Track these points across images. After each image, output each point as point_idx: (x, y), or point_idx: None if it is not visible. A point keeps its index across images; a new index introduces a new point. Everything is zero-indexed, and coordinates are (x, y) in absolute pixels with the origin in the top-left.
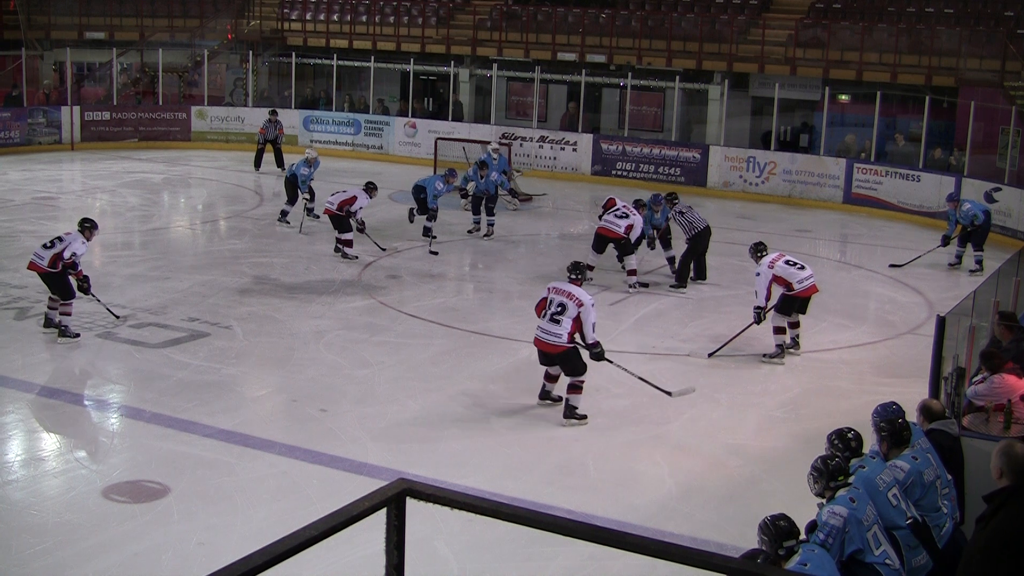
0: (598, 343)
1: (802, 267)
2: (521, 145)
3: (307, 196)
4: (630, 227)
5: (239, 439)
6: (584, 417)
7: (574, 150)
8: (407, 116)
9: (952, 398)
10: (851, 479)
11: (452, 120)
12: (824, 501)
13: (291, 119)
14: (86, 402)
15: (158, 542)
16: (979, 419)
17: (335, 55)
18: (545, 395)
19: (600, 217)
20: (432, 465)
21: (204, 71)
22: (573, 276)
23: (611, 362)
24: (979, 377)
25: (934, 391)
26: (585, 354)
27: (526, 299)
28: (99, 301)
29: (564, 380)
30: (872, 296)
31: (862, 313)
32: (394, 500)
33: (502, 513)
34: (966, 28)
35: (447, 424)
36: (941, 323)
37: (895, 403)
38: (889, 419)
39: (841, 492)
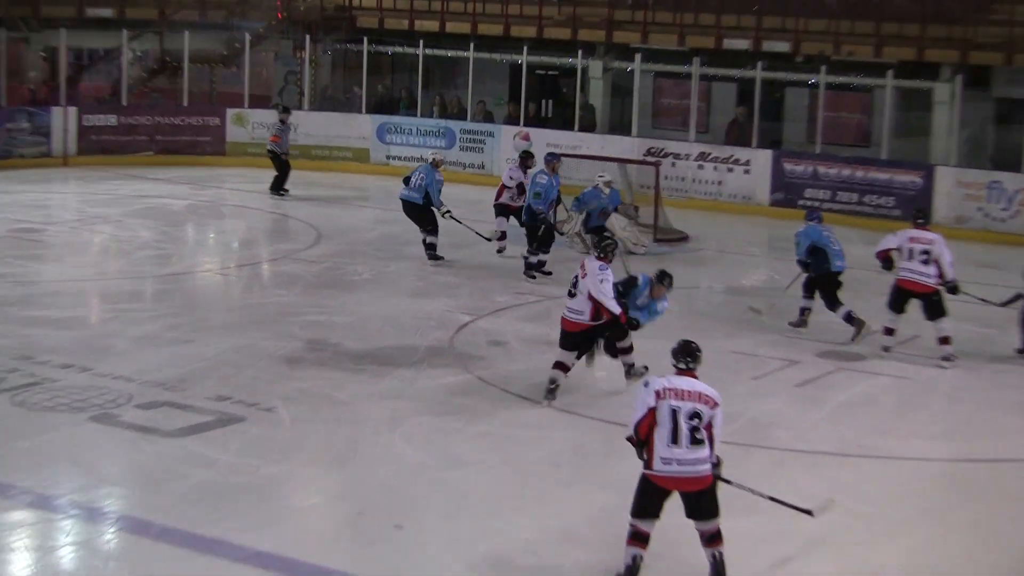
0: (719, 459)
1: None
2: (673, 165)
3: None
4: None
5: (283, 566)
6: None
7: (746, 172)
8: (518, 124)
9: None
10: None
11: (579, 130)
12: None
13: (362, 127)
14: (73, 511)
15: None
16: None
17: (421, 41)
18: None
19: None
20: None
21: (245, 62)
22: (683, 366)
23: (729, 482)
24: None
25: None
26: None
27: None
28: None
29: None
30: None
31: None
32: None
33: None
34: None
35: (572, 548)
36: None
37: None
38: None
39: None
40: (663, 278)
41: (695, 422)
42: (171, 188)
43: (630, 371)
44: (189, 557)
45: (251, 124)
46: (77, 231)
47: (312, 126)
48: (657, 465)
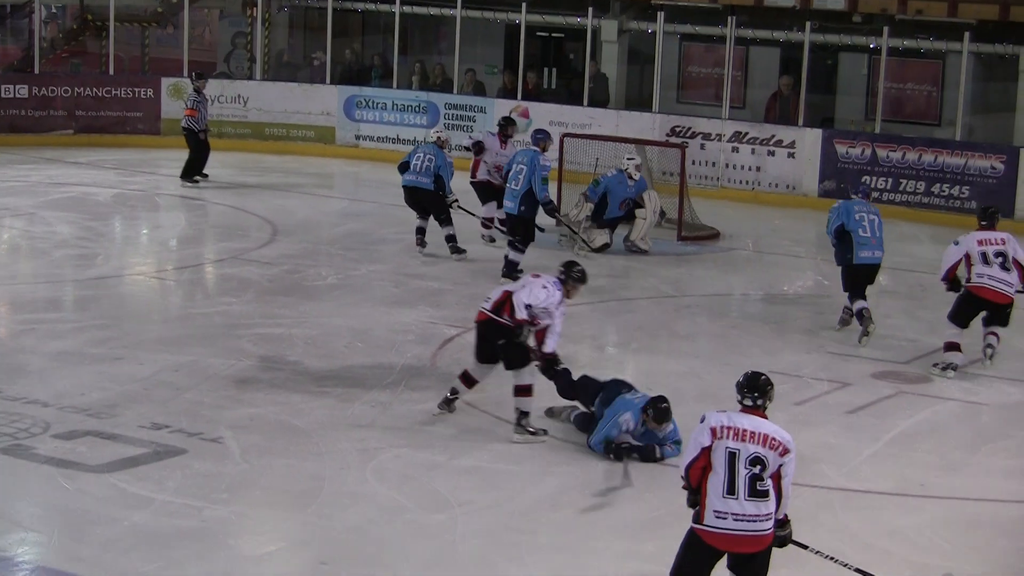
0: (787, 518)
1: None
2: (702, 147)
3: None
4: None
5: None
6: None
7: (790, 155)
8: (515, 99)
9: None
10: None
11: (589, 105)
12: None
13: (326, 101)
14: None
15: None
16: None
17: None
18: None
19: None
20: None
21: (184, 21)
22: (750, 403)
23: (804, 547)
24: None
25: None
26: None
27: (707, 400)
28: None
29: None
30: None
31: None
32: None
33: None
34: None
35: None
36: None
37: None
38: None
39: None
40: (660, 412)
41: (757, 469)
42: (95, 174)
43: (520, 421)
44: None
45: (191, 96)
46: None
47: (266, 100)
48: (709, 519)
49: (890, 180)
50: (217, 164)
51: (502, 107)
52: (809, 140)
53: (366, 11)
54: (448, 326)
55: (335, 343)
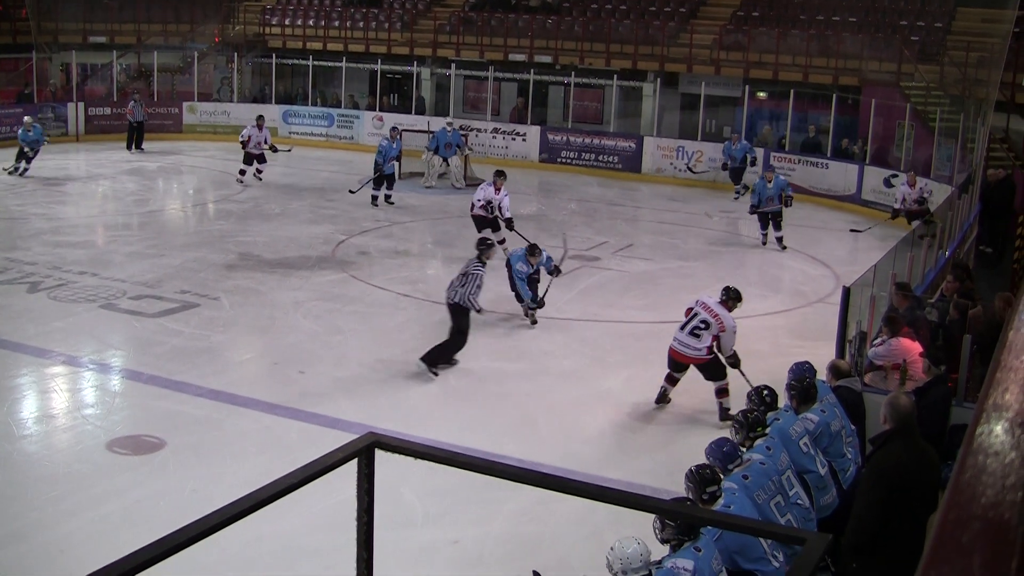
0: (734, 354)
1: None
2: (476, 136)
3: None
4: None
5: (227, 398)
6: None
7: (523, 140)
8: (375, 110)
9: (856, 358)
10: (768, 430)
11: (415, 113)
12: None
13: (271, 113)
14: (91, 366)
15: (156, 489)
16: (879, 376)
17: (311, 56)
18: (662, 397)
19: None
20: (398, 420)
21: (194, 70)
22: (723, 298)
23: (743, 374)
24: (879, 340)
25: (840, 352)
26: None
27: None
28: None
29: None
30: (787, 269)
31: (778, 284)
32: (364, 452)
33: (460, 462)
34: (868, 35)
35: (412, 384)
36: (846, 293)
37: (807, 362)
38: (798, 378)
39: (759, 442)
40: (531, 249)
41: (702, 325)
42: (146, 156)
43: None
44: (167, 394)
45: (199, 112)
46: (86, 184)
47: (239, 113)
48: (672, 343)
49: (577, 153)
50: (212, 149)
51: (368, 116)
52: (533, 132)
53: (294, 64)
54: (340, 235)
55: (279, 245)
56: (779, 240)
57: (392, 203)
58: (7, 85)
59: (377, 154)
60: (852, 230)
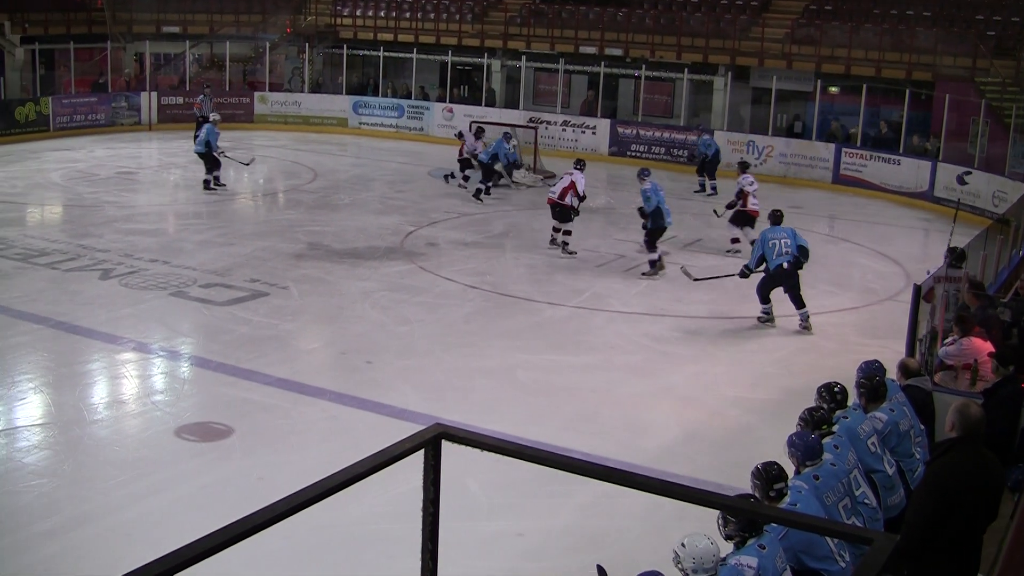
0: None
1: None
2: (546, 128)
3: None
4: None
5: (294, 387)
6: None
7: (593, 133)
8: (445, 102)
9: (926, 357)
10: (835, 428)
11: (485, 105)
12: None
13: (342, 104)
14: (161, 353)
15: (223, 476)
16: (949, 376)
17: (381, 47)
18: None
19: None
20: (464, 411)
21: (266, 61)
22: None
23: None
24: (950, 339)
25: (910, 351)
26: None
27: (543, 269)
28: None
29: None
30: (857, 266)
31: (847, 282)
32: (431, 443)
33: (525, 455)
34: (942, 29)
35: (478, 375)
36: (917, 291)
37: (877, 361)
38: (868, 376)
39: (826, 440)
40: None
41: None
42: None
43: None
44: (235, 382)
45: (270, 102)
46: (159, 173)
47: (309, 103)
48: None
49: (646, 146)
50: (283, 139)
51: (438, 107)
52: (603, 125)
53: (364, 55)
54: (409, 225)
55: (348, 235)
56: (802, 320)
57: (482, 200)
58: (82, 75)
59: (492, 154)
60: (683, 270)
